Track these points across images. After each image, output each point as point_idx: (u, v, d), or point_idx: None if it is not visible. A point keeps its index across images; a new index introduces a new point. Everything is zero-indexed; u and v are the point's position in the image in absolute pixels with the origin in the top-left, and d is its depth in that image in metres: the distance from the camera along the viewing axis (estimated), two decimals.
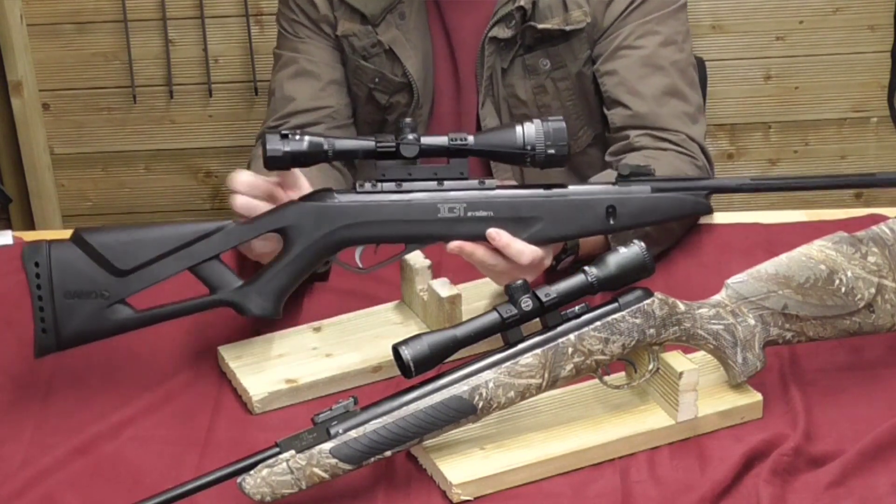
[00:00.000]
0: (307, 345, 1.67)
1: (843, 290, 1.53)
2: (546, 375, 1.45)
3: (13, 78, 2.93)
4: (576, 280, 1.46)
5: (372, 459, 1.40)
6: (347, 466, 1.39)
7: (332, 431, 1.39)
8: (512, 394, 1.44)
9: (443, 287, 1.65)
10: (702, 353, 1.53)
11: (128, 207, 3.14)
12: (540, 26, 1.97)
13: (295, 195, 1.63)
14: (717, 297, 1.52)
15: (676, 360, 1.49)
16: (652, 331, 1.48)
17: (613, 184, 1.61)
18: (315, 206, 1.58)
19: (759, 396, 1.52)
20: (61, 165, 3.09)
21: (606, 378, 1.49)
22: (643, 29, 1.98)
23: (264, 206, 1.62)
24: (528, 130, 1.57)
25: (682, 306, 1.50)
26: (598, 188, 1.62)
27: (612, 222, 1.60)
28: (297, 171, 1.63)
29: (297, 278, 1.59)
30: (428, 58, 2.03)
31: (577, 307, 1.47)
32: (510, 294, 1.44)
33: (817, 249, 1.54)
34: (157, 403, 1.59)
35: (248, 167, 1.88)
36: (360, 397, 1.42)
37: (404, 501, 1.43)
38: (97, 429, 1.54)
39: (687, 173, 1.90)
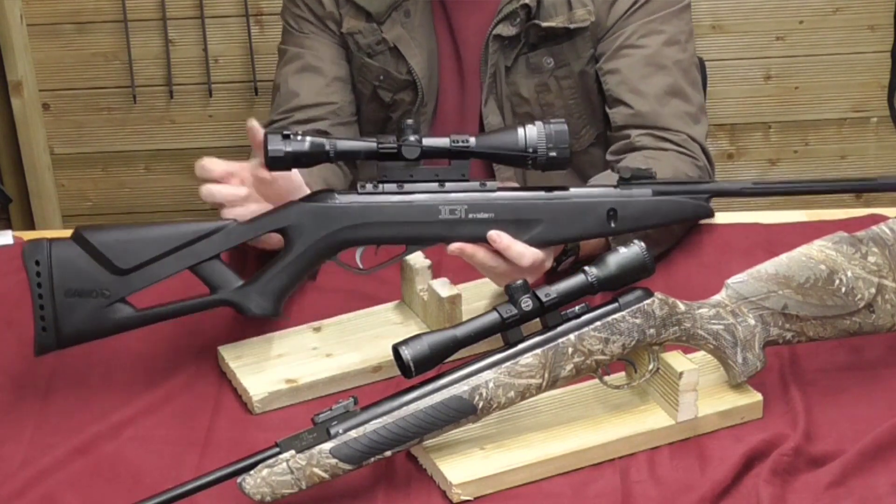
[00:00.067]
0: (307, 345, 1.67)
1: (843, 290, 1.53)
2: (546, 375, 1.45)
3: (13, 78, 2.93)
4: (576, 280, 1.46)
5: (372, 459, 1.40)
6: (347, 466, 1.39)
7: (332, 431, 1.39)
8: (512, 394, 1.44)
9: (443, 287, 1.65)
10: (702, 353, 1.53)
11: (128, 207, 3.14)
12: (544, 24, 1.97)
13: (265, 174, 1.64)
14: (717, 298, 1.52)
15: (676, 360, 1.49)
16: (652, 331, 1.48)
17: (615, 187, 1.62)
18: (316, 207, 1.58)
19: (759, 396, 1.52)
20: (61, 165, 3.09)
21: (606, 378, 1.49)
22: (647, 28, 1.98)
23: (225, 190, 1.64)
24: (530, 133, 1.57)
25: (682, 306, 1.50)
26: (600, 191, 1.62)
27: (613, 225, 1.60)
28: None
29: (298, 279, 1.59)
30: (433, 56, 2.04)
31: (577, 307, 1.47)
32: (510, 294, 1.44)
33: (817, 249, 1.54)
34: (157, 403, 1.59)
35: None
36: (360, 397, 1.42)
37: (404, 501, 1.43)
38: (97, 429, 1.54)
39: (688, 174, 1.90)
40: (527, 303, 1.44)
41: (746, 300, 1.52)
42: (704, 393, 1.50)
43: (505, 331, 1.44)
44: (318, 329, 1.70)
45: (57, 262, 1.54)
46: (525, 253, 1.58)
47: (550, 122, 1.57)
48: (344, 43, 2.05)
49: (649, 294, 1.48)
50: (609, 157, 1.97)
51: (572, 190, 1.61)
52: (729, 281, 1.53)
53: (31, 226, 3.07)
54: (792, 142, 3.07)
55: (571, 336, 1.45)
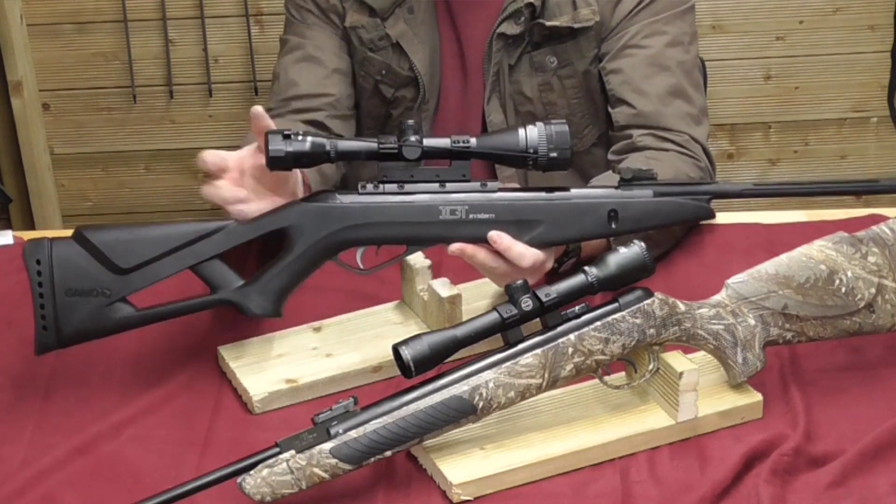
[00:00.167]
0: (307, 345, 1.67)
1: (843, 290, 1.53)
2: (546, 375, 1.45)
3: (13, 78, 2.93)
4: (576, 280, 1.46)
5: (372, 459, 1.40)
6: (347, 466, 1.39)
7: (332, 431, 1.39)
8: (512, 394, 1.44)
9: (443, 287, 1.65)
10: (702, 353, 1.53)
11: (128, 207, 3.14)
12: (548, 23, 1.97)
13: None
14: (717, 298, 1.52)
15: (676, 360, 1.49)
16: (652, 331, 1.48)
17: (616, 187, 1.62)
18: (317, 207, 1.58)
19: (759, 396, 1.52)
20: (61, 165, 3.09)
21: (606, 378, 1.49)
22: (650, 28, 1.98)
23: (226, 191, 1.64)
24: (531, 133, 1.56)
25: (682, 306, 1.50)
26: (601, 192, 1.61)
27: (613, 226, 1.60)
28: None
29: (299, 279, 1.59)
30: (435, 53, 2.04)
31: (577, 307, 1.47)
32: (510, 294, 1.44)
33: (817, 249, 1.54)
34: (157, 403, 1.59)
35: None
36: (360, 397, 1.42)
37: (404, 501, 1.43)
38: (97, 429, 1.54)
39: (689, 175, 1.90)
40: (527, 303, 1.44)
41: (746, 300, 1.52)
42: (704, 393, 1.50)
43: (505, 331, 1.44)
44: (318, 329, 1.70)
45: (58, 262, 1.54)
46: (525, 254, 1.58)
47: (551, 122, 1.57)
48: (346, 37, 2.05)
49: (649, 294, 1.48)
50: (611, 157, 1.97)
51: (573, 191, 1.61)
52: (729, 281, 1.53)
53: (31, 226, 3.07)
54: (792, 142, 3.07)
55: (571, 336, 1.45)
